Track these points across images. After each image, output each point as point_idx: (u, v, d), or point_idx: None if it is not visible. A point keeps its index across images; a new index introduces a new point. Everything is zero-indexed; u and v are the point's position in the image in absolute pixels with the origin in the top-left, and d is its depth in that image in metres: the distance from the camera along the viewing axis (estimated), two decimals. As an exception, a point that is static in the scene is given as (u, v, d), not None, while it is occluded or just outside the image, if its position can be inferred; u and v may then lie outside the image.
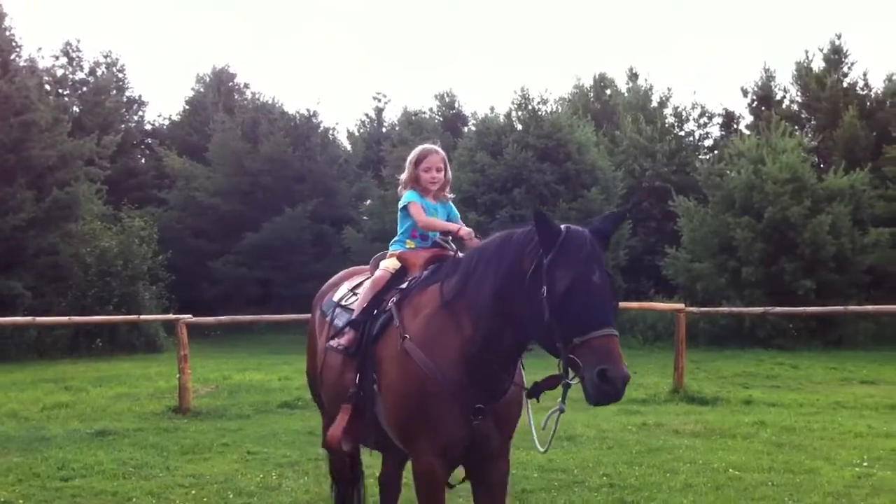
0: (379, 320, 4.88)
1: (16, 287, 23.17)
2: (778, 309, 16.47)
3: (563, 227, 4.12)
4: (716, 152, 32.34)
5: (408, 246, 5.37)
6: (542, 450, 4.60)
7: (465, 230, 5.13)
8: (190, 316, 14.07)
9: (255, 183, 33.03)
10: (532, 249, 4.21)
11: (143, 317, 20.10)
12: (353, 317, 5.10)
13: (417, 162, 5.39)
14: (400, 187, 5.52)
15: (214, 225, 33.19)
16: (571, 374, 4.05)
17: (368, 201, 35.20)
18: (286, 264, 32.02)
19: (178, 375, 12.93)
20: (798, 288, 22.52)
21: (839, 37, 31.05)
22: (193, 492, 7.84)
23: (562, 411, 4.30)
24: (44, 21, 68.14)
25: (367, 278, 5.44)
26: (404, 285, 5.01)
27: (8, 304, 21.95)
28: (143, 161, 38.05)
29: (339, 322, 5.29)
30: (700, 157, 33.63)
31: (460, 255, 4.98)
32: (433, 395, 4.42)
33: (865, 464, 8.67)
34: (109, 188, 29.94)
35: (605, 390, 3.86)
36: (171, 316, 16.13)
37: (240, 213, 32.70)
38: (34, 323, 15.73)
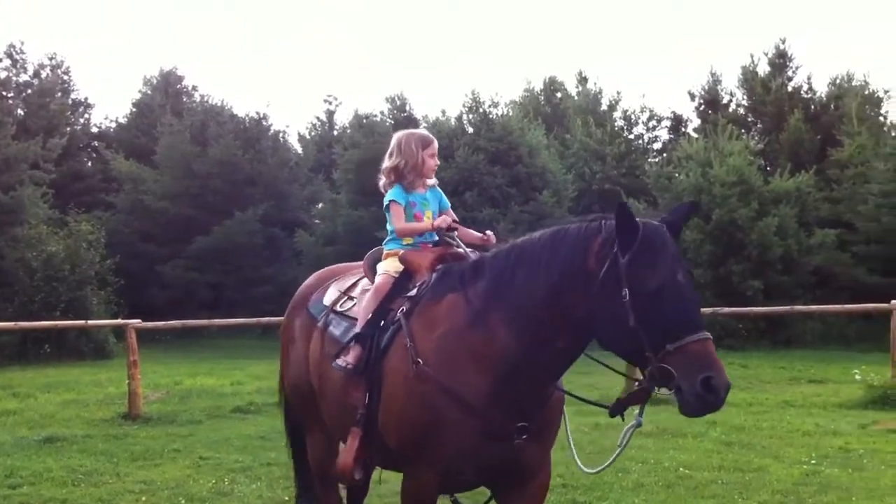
0: (387, 333, 4.40)
1: (-41, 293, 22.77)
2: (726, 309, 16.69)
3: (639, 221, 3.73)
4: (664, 155, 32.76)
5: (405, 243, 4.81)
6: (588, 471, 4.33)
7: (439, 220, 4.72)
8: (139, 321, 13.90)
9: (205, 186, 32.69)
10: (601, 247, 3.78)
11: (91, 322, 19.83)
12: (358, 330, 4.55)
13: (425, 146, 4.85)
14: (383, 180, 4.95)
15: (163, 229, 32.79)
16: (663, 383, 3.65)
17: (320, 204, 35.04)
18: (237, 268, 31.77)
19: (127, 381, 12.77)
20: (746, 289, 22.87)
21: (784, 41, 31.66)
22: (144, 498, 7.76)
23: (639, 425, 3.92)
24: (-13, 22, 66.88)
25: (359, 278, 5.06)
26: (412, 292, 4.48)
27: (-49, 311, 21.52)
28: (89, 164, 37.46)
29: (338, 331, 4.80)
30: (649, 160, 34.10)
31: (469, 253, 4.58)
32: (449, 424, 3.99)
33: (813, 461, 8.83)
34: (55, 192, 29.48)
35: (709, 401, 3.50)
36: (119, 321, 15.91)
37: (189, 217, 32.35)
38: (-21, 329, 15.46)
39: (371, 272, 4.90)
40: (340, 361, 4.51)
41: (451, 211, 4.98)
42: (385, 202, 4.84)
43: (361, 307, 4.66)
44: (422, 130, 5.11)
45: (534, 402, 4.08)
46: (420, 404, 4.05)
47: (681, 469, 8.47)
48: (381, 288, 4.65)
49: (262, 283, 31.38)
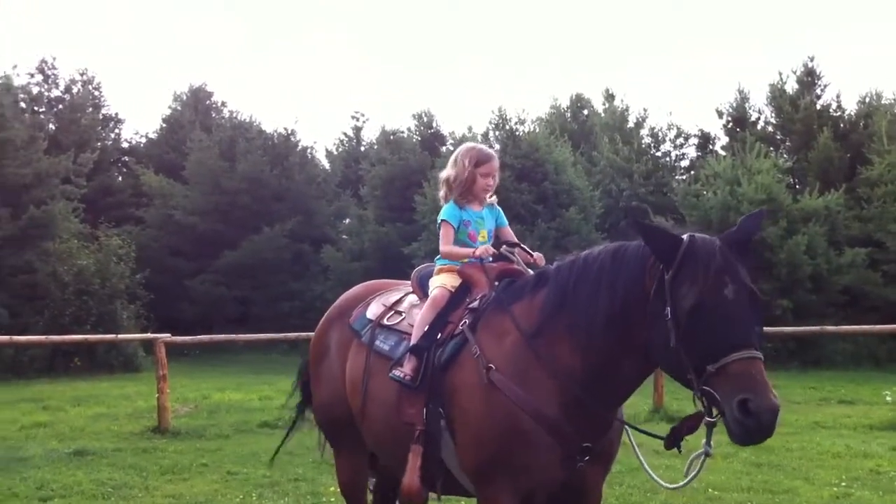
0: (448, 346, 4.23)
1: (-9, 306, 23.03)
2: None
3: (685, 235, 3.57)
4: (692, 173, 32.57)
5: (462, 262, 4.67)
6: (671, 487, 4.13)
7: (480, 249, 4.56)
8: (168, 335, 14.00)
9: (233, 202, 32.97)
10: (654, 264, 3.64)
11: (121, 336, 19.91)
12: (415, 341, 4.37)
13: (478, 163, 4.67)
14: (443, 188, 4.78)
15: (192, 244, 33.09)
16: (712, 409, 3.44)
17: (347, 220, 35.20)
18: (264, 284, 31.97)
19: (156, 395, 12.85)
20: (775, 308, 22.69)
21: (812, 59, 31.43)
22: (173, 512, 7.80)
23: (707, 455, 3.65)
24: (18, 39, 67.88)
25: (405, 294, 4.93)
26: (475, 304, 4.35)
27: (-17, 324, 21.77)
28: (119, 179, 37.86)
29: (387, 346, 4.62)
30: (676, 177, 33.95)
31: (528, 270, 4.45)
32: (527, 433, 3.84)
33: (844, 484, 8.73)
34: (86, 206, 29.86)
35: (749, 426, 3.24)
36: (149, 335, 16.05)
37: (218, 232, 32.62)
38: (11, 342, 15.62)
39: (420, 287, 4.79)
40: (398, 372, 4.34)
41: (510, 230, 4.85)
42: (438, 220, 4.72)
43: (416, 320, 4.51)
44: (482, 146, 4.88)
45: (599, 422, 3.96)
46: (500, 414, 3.89)
47: (710, 490, 8.40)
48: (438, 300, 4.50)
49: (290, 298, 31.56)
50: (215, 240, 32.45)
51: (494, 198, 4.84)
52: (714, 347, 3.36)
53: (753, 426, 3.25)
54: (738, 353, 3.32)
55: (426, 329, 4.39)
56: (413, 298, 4.85)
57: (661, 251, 3.57)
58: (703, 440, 3.63)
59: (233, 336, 19.43)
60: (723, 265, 3.46)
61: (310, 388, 5.56)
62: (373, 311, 4.94)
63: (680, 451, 3.82)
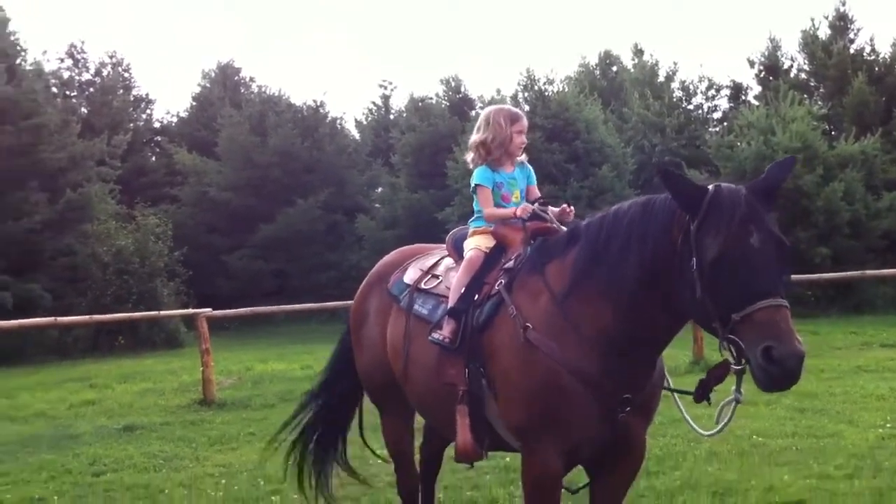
0: (485, 307, 4.27)
1: (34, 289, 23.42)
2: (795, 277, 16.44)
3: (711, 186, 3.56)
4: (725, 124, 32.20)
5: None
6: (706, 434, 4.01)
7: (520, 209, 4.51)
8: (209, 309, 14.17)
9: (266, 176, 33.15)
10: (682, 216, 3.62)
11: (163, 312, 20.22)
12: (452, 304, 4.40)
13: (514, 121, 4.66)
14: (479, 151, 4.74)
15: (227, 219, 33.35)
16: (737, 357, 3.44)
17: (379, 189, 35.29)
18: (300, 256, 32.17)
19: (201, 369, 13.04)
20: (814, 256, 22.47)
21: (844, 3, 30.83)
22: (224, 481, 7.92)
23: (738, 402, 3.67)
24: (47, 24, 68.31)
25: (441, 257, 4.96)
26: (509, 264, 4.37)
27: (27, 307, 22.10)
28: (153, 159, 38.22)
29: (425, 309, 4.67)
30: (709, 130, 33.60)
31: (561, 227, 4.44)
32: (568, 390, 3.87)
33: (889, 425, 8.70)
34: (122, 187, 30.22)
35: (773, 373, 3.25)
36: (190, 311, 16.24)
37: (252, 207, 32.84)
38: (56, 324, 15.87)
39: (455, 250, 4.82)
40: (437, 335, 4.37)
41: (536, 188, 4.84)
42: (472, 184, 4.71)
43: (452, 283, 4.54)
44: (510, 106, 4.92)
45: (638, 374, 3.98)
46: (540, 372, 3.93)
47: (754, 437, 8.41)
48: (473, 262, 4.53)
49: (326, 268, 31.76)
50: (250, 214, 32.67)
51: (525, 156, 4.82)
52: (739, 296, 3.36)
53: (778, 373, 3.26)
54: (763, 301, 3.32)
55: (463, 291, 4.43)
56: (449, 262, 4.88)
57: (686, 201, 3.56)
58: (733, 387, 3.64)
59: (273, 308, 19.61)
60: (748, 213, 3.44)
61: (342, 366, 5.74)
62: (410, 275, 4.98)
63: (709, 403, 3.83)
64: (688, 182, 3.61)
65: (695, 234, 3.50)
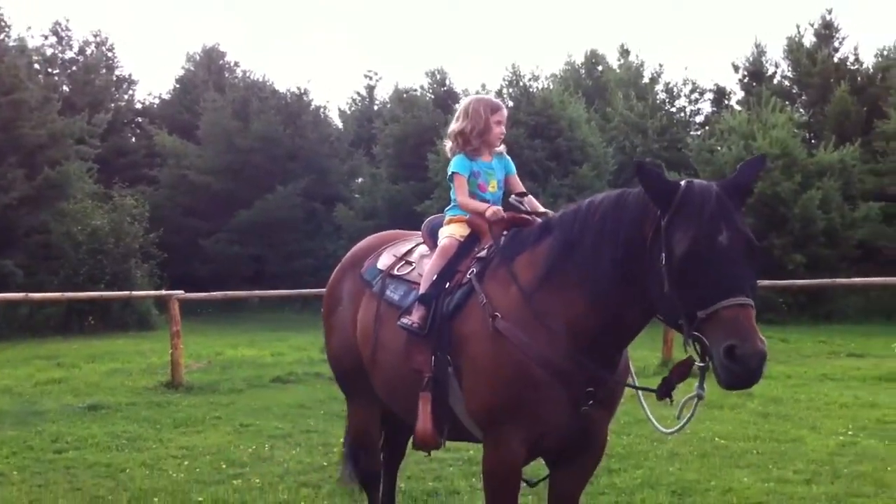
0: (456, 295, 4.27)
1: (7, 265, 23.25)
2: (766, 282, 16.53)
3: (682, 182, 3.56)
4: (707, 128, 32.41)
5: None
6: (667, 432, 4.09)
7: (491, 210, 4.48)
8: (182, 292, 14.11)
9: (247, 161, 33.01)
10: (654, 211, 3.62)
11: (135, 293, 20.11)
12: (423, 291, 4.41)
13: (493, 111, 4.67)
14: (456, 140, 4.74)
15: (206, 203, 33.20)
16: (702, 355, 3.45)
17: (360, 179, 35.18)
18: (278, 242, 32.07)
19: (170, 351, 12.98)
20: (788, 262, 22.65)
21: (830, 12, 31.14)
22: (186, 462, 7.91)
23: (700, 398, 3.64)
24: (32, 1, 67.71)
25: (416, 244, 4.96)
26: (482, 253, 4.39)
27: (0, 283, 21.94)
28: (133, 140, 37.95)
29: (396, 295, 4.66)
30: (691, 133, 33.80)
31: (536, 219, 4.42)
32: (533, 380, 3.89)
33: (850, 432, 8.78)
34: (100, 167, 29.99)
35: (735, 371, 3.25)
36: (163, 292, 16.20)
37: (231, 192, 32.71)
38: (27, 300, 15.78)
39: (430, 238, 4.80)
40: (405, 320, 4.37)
41: (517, 178, 4.84)
42: (448, 172, 4.71)
43: (425, 269, 4.55)
44: (490, 97, 4.93)
45: (604, 367, 3.97)
46: (506, 361, 3.93)
47: (716, 439, 8.47)
48: (447, 250, 4.53)
49: (303, 256, 31.69)
50: (229, 199, 32.54)
51: (503, 146, 4.83)
52: (705, 293, 3.35)
53: (740, 371, 3.25)
54: (728, 299, 3.31)
55: (435, 278, 4.43)
56: (423, 249, 4.87)
57: (658, 196, 3.56)
58: (696, 384, 3.63)
59: (246, 292, 19.57)
60: (717, 211, 3.45)
61: None
62: (384, 261, 4.98)
63: (671, 402, 3.83)
64: (661, 177, 3.61)
65: (665, 229, 3.50)
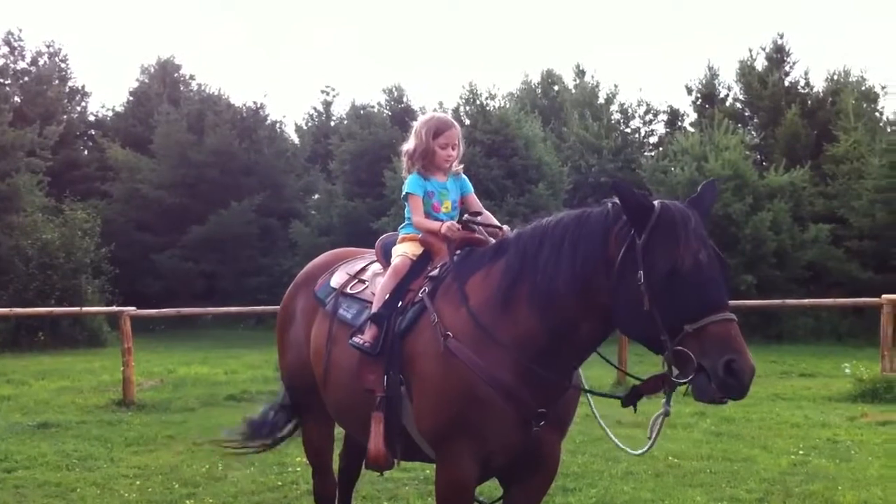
0: (407, 314, 4.28)
1: (-46, 279, 22.78)
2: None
3: (657, 202, 3.63)
4: (660, 149, 32.75)
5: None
6: (634, 453, 4.22)
7: (446, 226, 4.47)
8: (133, 308, 13.93)
9: (201, 176, 32.71)
10: (621, 230, 3.69)
11: (86, 308, 19.80)
12: (375, 310, 4.40)
13: (436, 134, 4.61)
14: (405, 159, 4.73)
15: (159, 218, 32.83)
16: (676, 371, 3.53)
17: (316, 195, 35.04)
18: (232, 258, 31.80)
19: (122, 368, 12.81)
20: (740, 283, 22.92)
21: (781, 36, 31.61)
22: (138, 482, 7.82)
23: (667, 415, 3.79)
24: (-16, 10, 66.69)
25: (369, 262, 4.95)
26: (434, 272, 4.38)
27: (-54, 297, 21.52)
28: (85, 153, 37.46)
29: (349, 314, 4.65)
30: (645, 153, 34.18)
31: (490, 239, 4.42)
32: (483, 399, 3.90)
33: (801, 452, 8.91)
34: (51, 180, 29.57)
35: (731, 385, 3.37)
36: (114, 308, 15.97)
37: (185, 206, 32.38)
38: (-26, 315, 15.50)
39: (384, 256, 4.78)
40: (357, 339, 4.35)
41: (475, 198, 4.81)
42: (403, 192, 4.68)
43: (377, 288, 4.54)
44: (441, 115, 4.82)
45: (554, 387, 4.00)
46: (456, 380, 3.94)
47: (670, 458, 8.54)
48: (399, 269, 4.52)
49: (257, 273, 31.46)
50: (182, 214, 32.21)
51: (460, 167, 4.81)
52: (692, 309, 3.44)
53: (735, 385, 3.37)
54: (716, 314, 3.43)
55: (387, 297, 4.42)
56: (377, 267, 4.85)
57: (634, 215, 3.61)
58: (663, 400, 3.73)
59: (200, 309, 19.38)
60: (696, 230, 3.56)
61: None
62: (337, 279, 4.96)
63: (635, 410, 3.90)
64: (638, 196, 3.64)
65: (642, 247, 3.55)
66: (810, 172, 26.54)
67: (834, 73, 31.39)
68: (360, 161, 31.44)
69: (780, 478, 7.78)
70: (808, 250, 25.18)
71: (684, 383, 3.53)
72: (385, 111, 35.40)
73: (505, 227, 4.57)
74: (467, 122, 28.83)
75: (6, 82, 34.56)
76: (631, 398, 3.89)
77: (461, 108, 30.26)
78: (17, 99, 33.50)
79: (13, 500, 7.27)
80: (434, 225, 4.54)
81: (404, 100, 36.24)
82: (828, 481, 7.60)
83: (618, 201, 3.72)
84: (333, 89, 43.84)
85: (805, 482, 7.60)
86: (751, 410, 11.31)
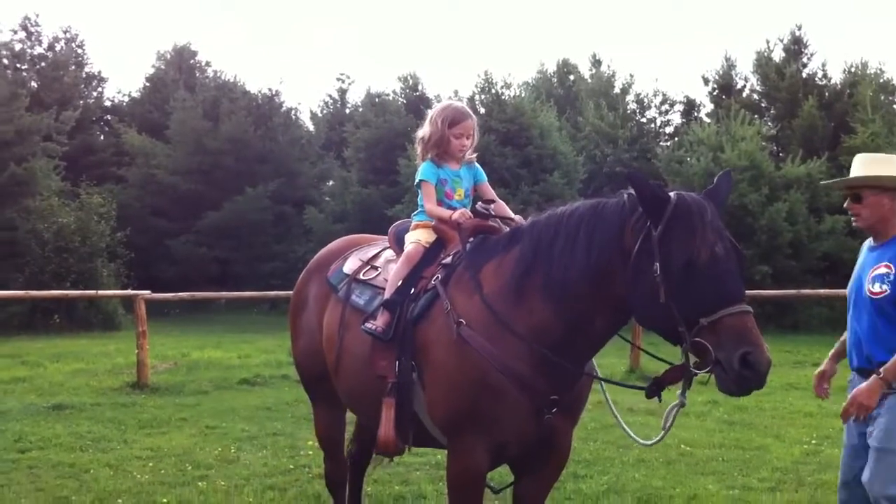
0: (420, 301, 4.26)
1: (-30, 263, 22.94)
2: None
3: (672, 194, 3.63)
4: (676, 139, 32.63)
5: None
6: (646, 444, 4.23)
7: (457, 214, 4.46)
8: (148, 292, 14.00)
9: (216, 162, 32.77)
10: (637, 221, 3.68)
11: (101, 292, 19.91)
12: (388, 296, 4.39)
13: (452, 123, 4.58)
14: (419, 147, 4.74)
15: (174, 204, 32.90)
16: (694, 361, 3.58)
17: (330, 182, 35.08)
18: (246, 244, 31.86)
19: (136, 351, 12.88)
20: (755, 273, 22.82)
21: (799, 27, 31.41)
22: (151, 464, 7.87)
23: (682, 405, 3.80)
24: (2, -5, 66.88)
25: (382, 249, 4.93)
26: (447, 260, 4.36)
27: (-38, 280, 21.67)
28: (101, 138, 37.54)
29: (361, 300, 4.65)
30: (661, 143, 34.05)
31: (504, 227, 4.43)
32: (496, 388, 3.89)
33: (814, 441, 8.90)
34: (68, 165, 29.70)
35: (747, 377, 3.39)
36: (129, 292, 16.07)
37: (200, 193, 32.44)
38: (-10, 297, 15.60)
39: (397, 243, 4.77)
40: (370, 325, 4.35)
41: (489, 187, 4.78)
42: (416, 179, 4.67)
43: (390, 275, 4.52)
44: (458, 105, 4.78)
45: (567, 375, 4.00)
46: (469, 368, 3.94)
47: (682, 446, 8.53)
48: (412, 256, 4.50)
49: (271, 259, 31.51)
50: (197, 200, 32.28)
51: (474, 155, 4.78)
52: (708, 302, 3.45)
53: (752, 377, 3.39)
54: (732, 306, 3.44)
55: (400, 284, 4.40)
56: (389, 254, 4.84)
57: (650, 206, 3.61)
58: (679, 391, 3.74)
59: (214, 293, 19.45)
60: (713, 222, 3.56)
61: None
62: (350, 265, 4.95)
63: (660, 401, 3.93)
64: (654, 187, 3.63)
65: (658, 239, 3.54)
66: (827, 164, 26.35)
67: (851, 66, 31.17)
68: (375, 149, 31.42)
69: (793, 467, 7.77)
70: (823, 241, 25.05)
71: (703, 374, 3.55)
72: (400, 99, 35.35)
73: (517, 217, 4.54)
74: (482, 110, 28.76)
75: (23, 67, 34.72)
76: (653, 389, 3.88)
77: (476, 97, 30.17)
78: (33, 84, 33.67)
79: (27, 480, 7.33)
80: (445, 213, 4.54)
81: (419, 88, 36.18)
82: (840, 471, 7.58)
83: (633, 192, 3.69)
84: (348, 77, 44.02)
85: (818, 471, 7.60)
86: (764, 400, 11.28)
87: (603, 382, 4.39)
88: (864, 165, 4.62)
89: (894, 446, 4.16)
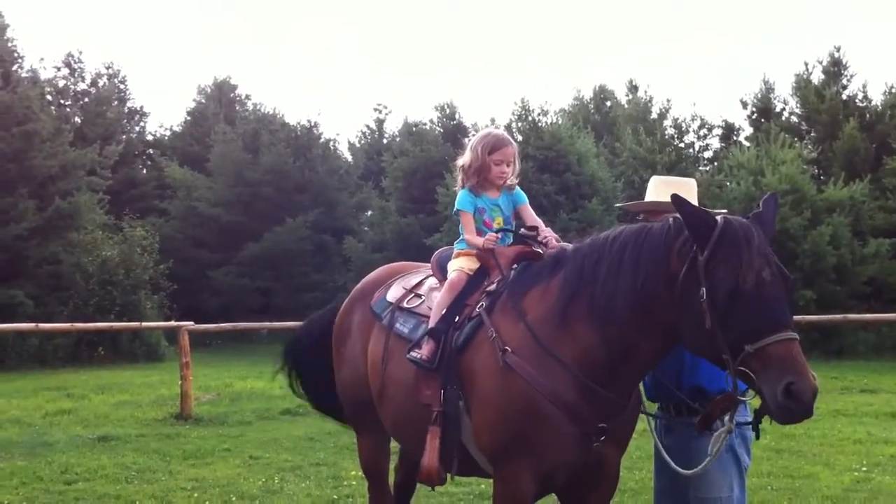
0: (465, 329, 4.22)
1: (17, 296, 23.30)
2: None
3: (719, 217, 3.56)
4: (715, 164, 32.41)
5: None
6: (689, 473, 4.07)
7: (484, 240, 4.42)
8: (192, 323, 14.11)
9: (256, 193, 33.14)
10: (683, 245, 3.62)
11: (145, 324, 20.11)
12: (432, 324, 4.35)
13: (492, 150, 4.53)
14: (459, 175, 4.68)
15: (215, 235, 33.29)
16: (748, 389, 3.52)
17: (369, 212, 35.29)
18: (287, 274, 32.11)
19: (179, 382, 12.97)
20: (799, 299, 22.55)
21: (838, 49, 31.13)
22: (196, 495, 7.88)
23: (730, 432, 3.76)
24: (46, 32, 68.44)
25: (425, 277, 4.91)
26: (492, 287, 4.32)
27: (9, 313, 21.99)
28: (144, 171, 38.19)
29: (406, 329, 4.61)
30: (700, 168, 33.77)
31: (548, 252, 4.33)
32: (543, 415, 3.84)
33: (864, 469, 8.72)
34: (111, 198, 30.12)
35: (792, 409, 3.28)
36: (173, 323, 16.21)
37: (240, 224, 32.80)
38: (37, 330, 15.79)
39: (440, 271, 4.73)
40: (415, 354, 4.31)
41: (530, 209, 4.69)
42: (454, 209, 4.65)
43: (434, 303, 4.49)
44: (498, 132, 4.74)
45: (616, 402, 3.95)
46: (515, 396, 3.89)
47: (729, 475, 8.40)
48: (455, 284, 4.45)
49: (311, 289, 31.71)
50: (238, 231, 32.63)
51: (515, 180, 4.70)
52: (753, 329, 3.36)
53: (797, 408, 3.28)
54: (776, 334, 3.34)
55: (444, 312, 4.37)
56: (432, 281, 4.82)
57: (697, 231, 3.54)
58: (727, 417, 3.70)
59: (256, 324, 19.53)
60: (760, 247, 3.47)
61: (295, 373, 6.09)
62: (393, 293, 4.93)
63: (712, 433, 3.86)
64: (700, 211, 3.59)
65: (704, 264, 3.48)
66: (870, 186, 26.06)
67: (892, 87, 30.81)
68: (413, 178, 31.54)
69: (844, 495, 7.63)
70: (868, 265, 24.71)
71: (742, 402, 3.53)
72: (437, 128, 35.48)
73: (560, 242, 4.47)
74: (520, 137, 28.77)
75: (67, 103, 35.37)
76: (705, 422, 3.84)
77: (513, 125, 30.22)
78: (77, 119, 34.27)
79: (74, 511, 7.38)
80: (478, 241, 4.49)
81: (456, 117, 36.30)
82: (892, 498, 7.46)
83: (679, 216, 3.64)
84: (386, 107, 44.21)
85: (869, 499, 7.46)
86: (812, 427, 11.10)
87: (649, 416, 4.32)
88: (656, 189, 4.53)
89: None
